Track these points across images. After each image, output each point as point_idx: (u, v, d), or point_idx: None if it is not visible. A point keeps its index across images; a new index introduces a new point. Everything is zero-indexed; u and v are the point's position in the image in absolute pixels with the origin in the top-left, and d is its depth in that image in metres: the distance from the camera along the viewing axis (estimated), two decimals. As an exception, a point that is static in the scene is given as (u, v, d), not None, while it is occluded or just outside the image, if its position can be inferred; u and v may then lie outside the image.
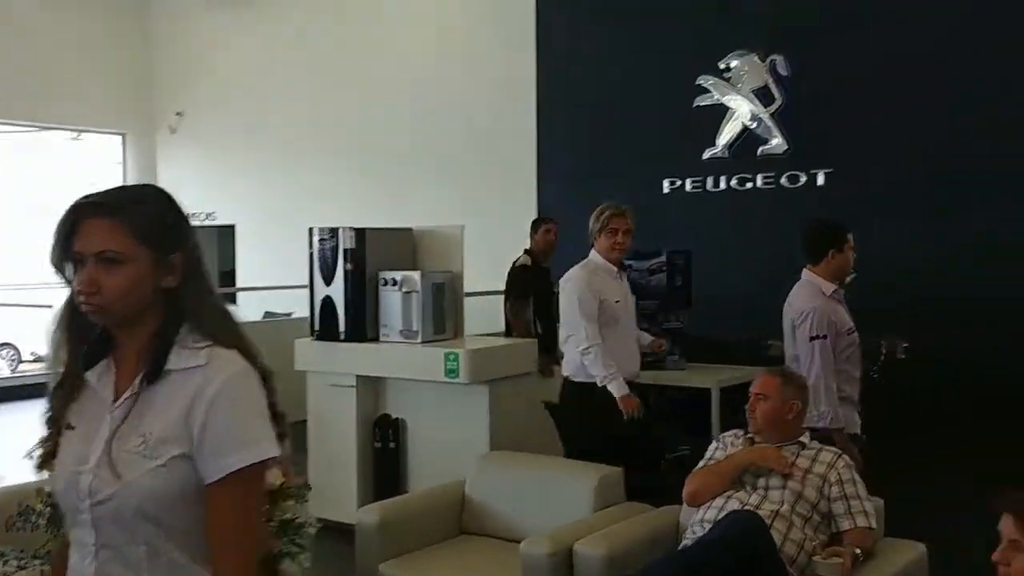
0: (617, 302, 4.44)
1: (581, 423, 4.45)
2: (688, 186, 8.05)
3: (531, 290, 6.24)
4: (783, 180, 7.69)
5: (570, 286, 4.45)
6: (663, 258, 6.32)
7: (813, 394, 3.86)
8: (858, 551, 3.14)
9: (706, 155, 7.97)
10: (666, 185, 8.15)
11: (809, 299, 3.99)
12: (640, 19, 8.36)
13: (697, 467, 3.47)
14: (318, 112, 10.71)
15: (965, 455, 6.17)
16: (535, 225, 6.59)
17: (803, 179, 7.60)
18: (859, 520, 3.23)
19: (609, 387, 4.29)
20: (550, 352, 5.46)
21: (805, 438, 3.45)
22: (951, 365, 6.37)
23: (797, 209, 7.51)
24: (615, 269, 4.51)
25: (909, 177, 7.10)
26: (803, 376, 3.69)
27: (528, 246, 6.80)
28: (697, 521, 3.27)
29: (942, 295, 6.52)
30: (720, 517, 3.17)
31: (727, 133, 7.89)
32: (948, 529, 3.91)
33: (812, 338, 3.90)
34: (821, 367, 3.88)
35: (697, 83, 7.95)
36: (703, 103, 7.96)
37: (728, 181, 7.89)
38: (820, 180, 7.53)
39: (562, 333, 4.52)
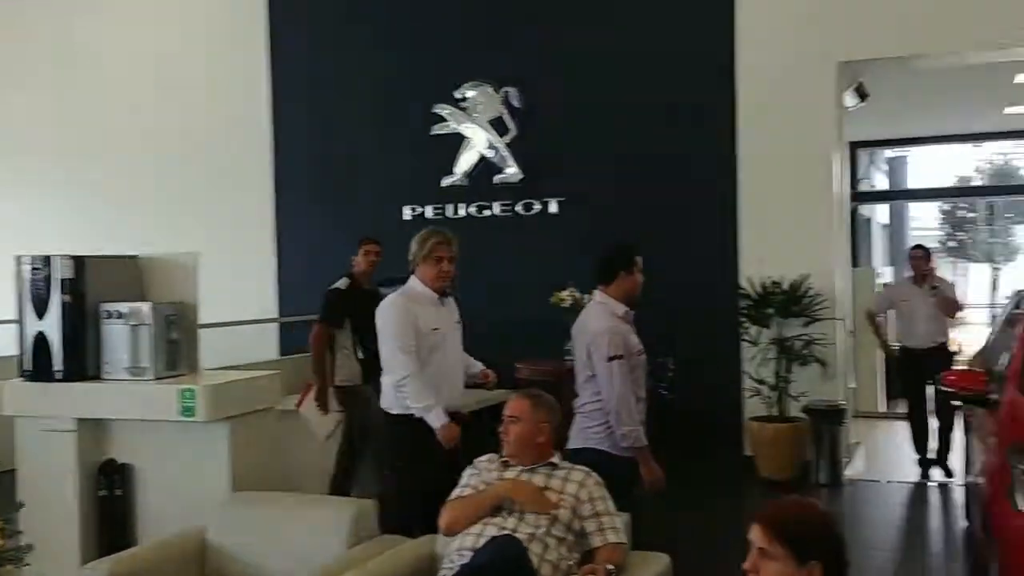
0: (436, 330, 4.29)
1: (399, 456, 4.31)
2: (429, 212, 8.11)
3: (348, 313, 5.91)
4: (519, 208, 7.94)
5: (385, 314, 4.27)
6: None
7: (616, 415, 3.95)
8: (611, 567, 3.21)
9: (445, 182, 8.08)
10: (407, 212, 8.16)
11: (602, 320, 4.04)
12: (375, 47, 8.36)
13: (453, 495, 3.43)
14: (20, 133, 9.73)
15: (700, 469, 6.63)
16: (358, 246, 6.26)
17: (537, 207, 7.89)
18: (610, 536, 3.32)
19: (427, 419, 4.14)
20: (373, 380, 5.10)
21: (556, 458, 3.51)
22: (685, 381, 6.83)
23: (533, 236, 7.80)
24: (436, 296, 4.35)
25: (634, 205, 7.57)
26: (553, 398, 3.76)
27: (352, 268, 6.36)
28: (455, 550, 3.23)
29: (668, 316, 6.96)
30: (479, 545, 3.15)
31: (465, 161, 8.05)
32: (690, 540, 4.15)
33: (610, 358, 3.93)
34: (621, 387, 3.93)
35: (434, 111, 8.04)
36: (440, 131, 8.07)
37: (467, 208, 8.04)
38: (553, 208, 7.85)
39: (383, 363, 4.33)
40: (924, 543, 5.88)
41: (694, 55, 7.51)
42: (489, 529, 3.22)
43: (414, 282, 4.34)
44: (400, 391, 4.17)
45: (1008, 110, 10.73)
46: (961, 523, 5.98)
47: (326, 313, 6.00)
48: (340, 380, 5.89)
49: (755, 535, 2.14)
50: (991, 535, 3.75)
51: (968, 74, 8.50)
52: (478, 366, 4.63)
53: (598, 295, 4.14)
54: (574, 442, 4.07)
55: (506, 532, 3.18)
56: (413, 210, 8.14)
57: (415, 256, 4.32)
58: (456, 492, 3.45)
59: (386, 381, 4.29)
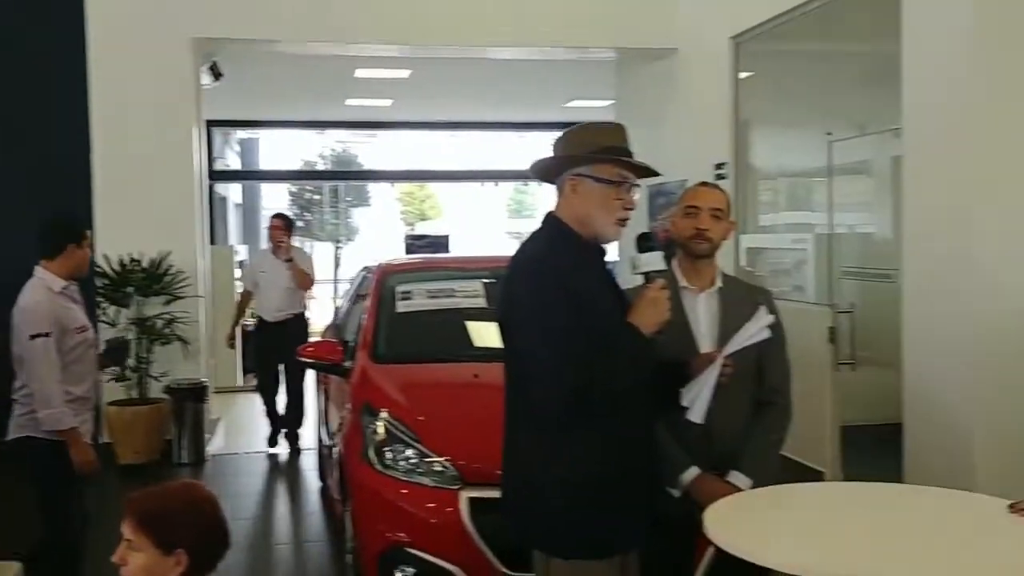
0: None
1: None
2: None
3: None
4: None
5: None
6: None
7: (39, 397, 3.61)
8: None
9: None
10: None
11: (33, 296, 3.70)
12: None
13: None
14: None
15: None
16: None
17: None
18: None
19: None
20: None
21: None
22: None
23: None
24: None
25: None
26: None
27: None
28: None
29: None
30: None
31: None
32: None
33: (33, 336, 3.60)
34: (44, 366, 3.60)
35: None
36: None
37: None
38: None
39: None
40: (285, 506, 6.23)
41: (38, 20, 6.87)
42: None
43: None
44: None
45: (349, 101, 11.79)
46: (316, 483, 6.45)
47: None
48: None
49: (126, 527, 2.06)
50: (347, 488, 4.10)
51: (316, 64, 9.12)
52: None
53: (37, 270, 3.79)
54: (11, 432, 3.75)
55: None
56: None
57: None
58: None
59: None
